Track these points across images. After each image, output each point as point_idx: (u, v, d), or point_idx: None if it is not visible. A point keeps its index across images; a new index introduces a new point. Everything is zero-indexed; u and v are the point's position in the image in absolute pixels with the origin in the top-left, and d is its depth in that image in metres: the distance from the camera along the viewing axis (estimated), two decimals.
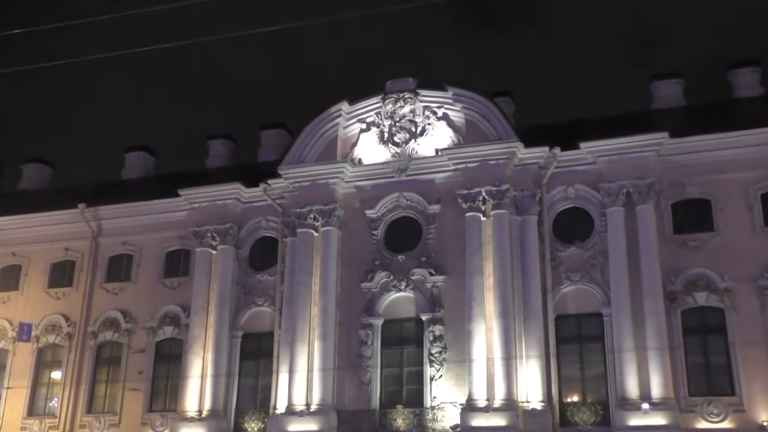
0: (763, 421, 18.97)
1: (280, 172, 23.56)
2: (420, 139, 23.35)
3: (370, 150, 23.70)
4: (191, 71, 55.42)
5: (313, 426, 21.12)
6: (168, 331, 24.24)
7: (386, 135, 23.55)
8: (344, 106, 23.88)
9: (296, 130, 24.64)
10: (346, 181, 23.45)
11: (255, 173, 25.23)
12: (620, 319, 20.21)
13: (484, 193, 21.90)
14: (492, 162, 22.01)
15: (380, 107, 23.71)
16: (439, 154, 22.73)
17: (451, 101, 23.14)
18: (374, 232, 23.04)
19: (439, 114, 23.34)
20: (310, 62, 54.99)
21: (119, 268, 25.33)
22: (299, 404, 21.59)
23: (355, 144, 23.82)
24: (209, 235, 24.26)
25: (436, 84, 23.41)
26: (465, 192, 22.04)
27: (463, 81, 23.72)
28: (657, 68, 36.66)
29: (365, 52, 53.66)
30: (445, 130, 23.22)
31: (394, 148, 23.41)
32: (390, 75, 23.83)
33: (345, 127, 23.99)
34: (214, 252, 24.26)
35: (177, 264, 24.87)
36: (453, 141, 22.96)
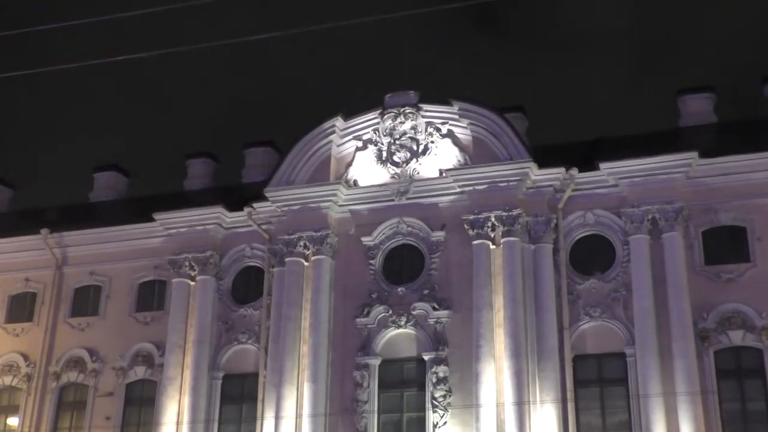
0: None
1: (267, 194, 23.65)
2: (422, 159, 23.48)
3: (367, 170, 23.81)
4: (170, 83, 55.61)
5: None
6: (140, 372, 24.15)
7: (385, 154, 23.66)
8: (338, 122, 24.01)
9: (285, 148, 24.82)
10: (340, 205, 23.52)
11: (239, 196, 25.39)
12: (646, 360, 20.15)
13: (493, 219, 22.01)
14: (502, 184, 22.14)
15: (378, 123, 23.84)
16: (444, 175, 22.82)
17: (456, 117, 23.33)
18: (371, 261, 23.10)
19: (444, 131, 23.51)
20: (301, 76, 55.41)
21: (86, 301, 25.25)
22: None
23: (350, 164, 23.95)
24: (187, 264, 24.30)
25: (440, 98, 23.60)
26: (472, 217, 22.16)
27: (470, 95, 24.42)
28: (681, 81, 36.73)
29: (361, 65, 54.21)
30: (451, 149, 23.36)
31: (394, 168, 23.54)
32: (389, 89, 24.07)
33: (339, 145, 24.13)
34: (192, 283, 24.30)
35: (151, 296, 24.91)
36: (459, 161, 23.14)
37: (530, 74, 50.96)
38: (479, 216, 22.08)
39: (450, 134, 23.45)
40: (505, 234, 21.94)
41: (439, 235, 22.82)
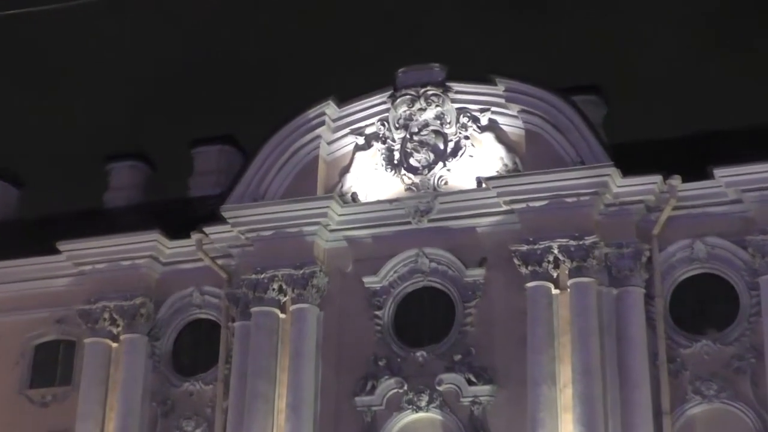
0: None
1: (225, 214, 23.53)
2: (452, 162, 23.34)
3: (372, 179, 23.78)
4: (74, 47, 53.96)
5: None
6: None
7: (398, 155, 23.63)
8: (329, 109, 23.91)
9: (251, 147, 24.90)
10: (333, 230, 23.37)
11: (184, 216, 25.44)
12: None
13: (556, 251, 21.72)
14: (570, 199, 21.92)
15: (388, 111, 23.82)
16: (484, 185, 22.66)
17: (502, 101, 23.14)
18: (377, 312, 22.92)
19: (483, 122, 23.35)
20: (281, 42, 54.45)
21: None
22: None
23: (346, 170, 23.97)
24: (107, 316, 24.08)
25: (477, 75, 23.61)
26: (526, 248, 21.83)
27: (521, 71, 24.43)
28: None
29: (362, 34, 53.53)
30: (493, 148, 23.22)
31: (411, 176, 23.44)
32: (401, 63, 24.04)
33: (331, 143, 24.11)
34: (114, 345, 24.14)
35: (52, 365, 24.71)
36: (505, 165, 23.01)
37: (581, 52, 50.28)
38: (536, 246, 21.77)
39: (492, 126, 23.32)
40: (574, 273, 21.68)
41: (476, 274, 22.57)
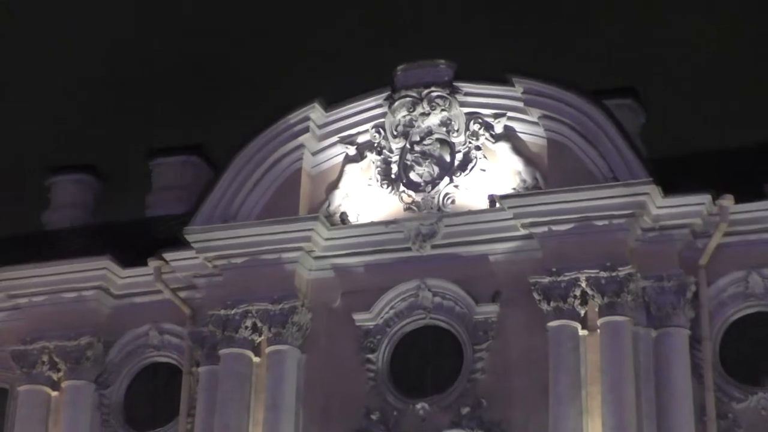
0: None
1: (189, 238, 23.56)
2: (460, 178, 23.39)
3: (364, 197, 23.89)
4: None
5: None
6: None
7: (396, 168, 23.73)
8: (315, 113, 23.97)
9: (221, 157, 25.11)
10: (318, 257, 23.44)
11: (140, 240, 25.64)
12: None
13: (584, 283, 21.69)
14: (600, 222, 21.91)
15: (384, 115, 23.93)
16: (498, 205, 22.63)
17: (520, 106, 23.19)
18: (370, 356, 22.90)
19: (498, 129, 23.40)
20: (256, 37, 54.69)
21: None
22: None
23: (334, 185, 24.07)
24: (46, 359, 24.00)
25: (491, 74, 23.76)
26: (548, 280, 21.83)
27: (541, 70, 23.87)
28: None
29: (353, 28, 53.70)
30: (509, 161, 23.25)
31: (411, 193, 23.52)
32: (400, 60, 24.12)
33: (316, 153, 24.21)
34: (54, 393, 24.05)
35: None
36: (523, 181, 23.06)
37: (630, 47, 50.35)
38: (560, 278, 21.78)
39: (508, 135, 23.38)
40: (605, 310, 21.65)
41: (488, 310, 22.55)
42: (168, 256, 23.70)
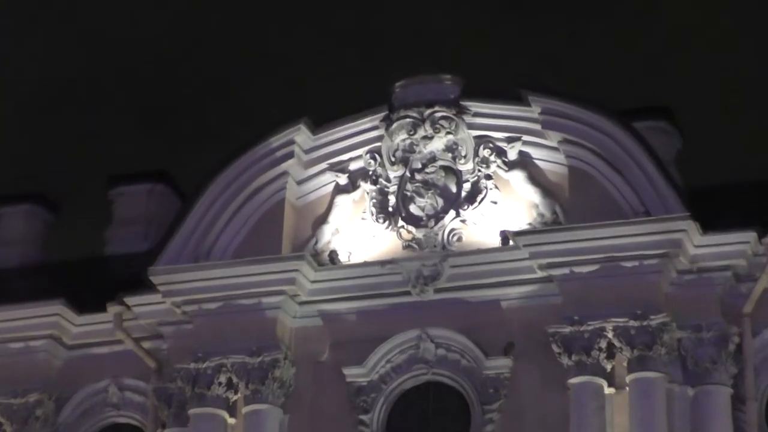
0: None
1: (154, 279, 23.65)
2: (468, 211, 23.51)
3: (357, 233, 24.01)
4: None
5: None
6: None
7: (393, 200, 23.85)
8: (300, 136, 24.11)
9: (193, 186, 25.06)
10: (304, 302, 23.53)
11: (98, 282, 25.75)
12: None
13: (611, 334, 21.75)
14: (630, 264, 22.00)
15: (380, 139, 24.10)
16: (512, 243, 22.69)
17: (537, 127, 23.31)
18: (363, 417, 22.95)
19: (512, 156, 23.56)
20: (236, 48, 54.81)
21: None
22: None
23: (323, 219, 24.16)
24: None
25: (502, 91, 23.94)
26: (569, 330, 21.87)
27: (561, 89, 23.96)
28: None
29: (345, 39, 53.73)
30: (524, 192, 23.42)
31: (411, 229, 23.61)
32: (398, 76, 24.30)
33: (302, 182, 24.40)
34: None
35: None
36: (541, 216, 23.19)
37: (661, 63, 50.46)
38: (583, 328, 21.81)
39: (524, 162, 23.54)
40: (635, 365, 21.67)
41: (500, 365, 22.62)
42: (130, 300, 23.68)
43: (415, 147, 23.63)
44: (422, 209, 23.40)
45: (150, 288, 23.48)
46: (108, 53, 56.34)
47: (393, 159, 23.72)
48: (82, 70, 57.04)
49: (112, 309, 23.81)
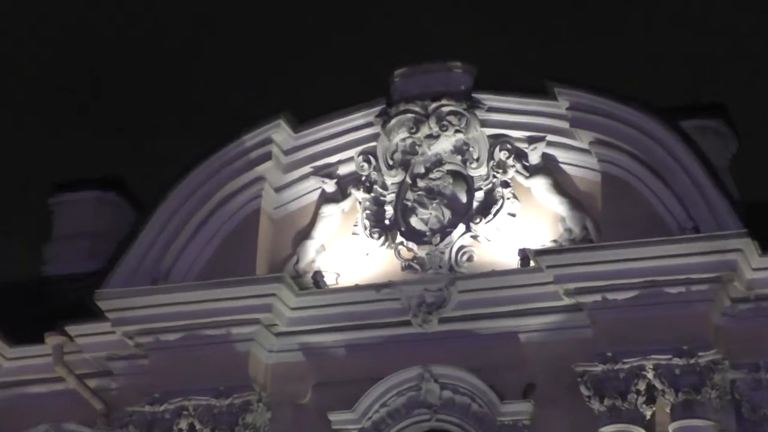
0: None
1: (102, 305, 23.72)
2: (480, 225, 23.53)
3: (347, 250, 24.11)
4: None
5: None
6: None
7: (390, 212, 23.98)
8: (279, 134, 24.22)
9: (149, 195, 25.51)
10: (281, 333, 23.60)
11: (34, 308, 26.06)
12: None
13: (651, 374, 21.67)
14: (674, 290, 21.95)
15: (376, 138, 24.26)
16: (533, 264, 22.75)
17: (564, 125, 23.33)
18: None
19: (533, 159, 23.63)
20: (205, 31, 55.38)
21: None
22: None
23: (306, 234, 24.27)
24: None
25: (522, 83, 24.15)
26: (600, 369, 21.80)
27: (591, 78, 24.46)
28: None
29: (334, 21, 54.18)
30: (548, 203, 23.47)
31: (412, 246, 23.66)
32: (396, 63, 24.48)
33: (280, 189, 24.50)
34: None
35: None
36: (568, 231, 23.23)
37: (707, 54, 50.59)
38: (617, 366, 21.76)
39: (547, 168, 23.61)
40: (680, 411, 21.57)
41: (518, 410, 22.57)
42: (72, 329, 23.72)
43: (417, 148, 23.73)
44: (425, 222, 23.44)
45: (97, 315, 23.53)
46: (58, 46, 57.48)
47: (391, 162, 23.82)
48: (32, 59, 58.16)
49: (51, 340, 23.87)
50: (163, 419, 22.90)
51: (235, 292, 23.17)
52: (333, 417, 22.79)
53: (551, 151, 23.32)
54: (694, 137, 22.91)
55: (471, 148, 23.57)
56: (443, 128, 23.58)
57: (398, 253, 23.44)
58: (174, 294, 23.44)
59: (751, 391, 21.59)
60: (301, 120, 24.14)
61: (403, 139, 23.76)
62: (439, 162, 23.64)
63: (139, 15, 56.70)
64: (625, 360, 21.49)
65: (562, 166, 23.31)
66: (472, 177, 23.50)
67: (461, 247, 23.20)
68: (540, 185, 23.18)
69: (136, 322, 23.41)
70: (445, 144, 23.65)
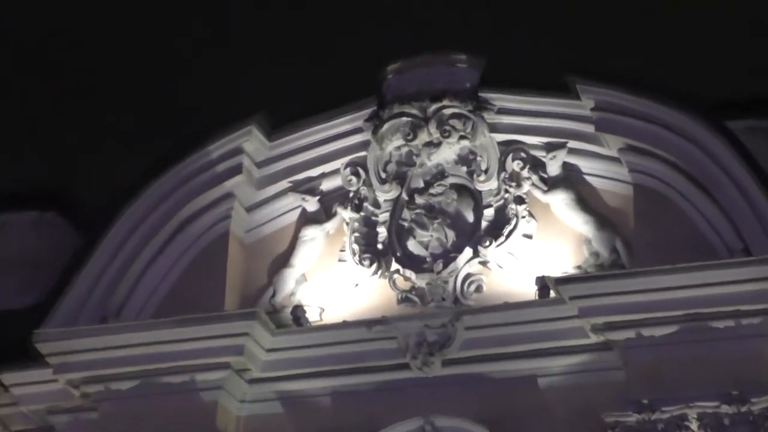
0: None
1: (41, 348, 23.98)
2: (490, 249, 23.65)
3: (333, 280, 24.32)
4: None
5: None
6: None
7: (384, 234, 24.21)
8: (251, 143, 24.54)
9: (99, 215, 25.53)
10: (255, 380, 23.79)
11: None
12: None
13: (694, 423, 21.58)
14: (721, 324, 21.85)
15: (365, 146, 24.53)
16: (553, 295, 22.74)
17: (589, 129, 23.44)
18: None
19: (552, 170, 23.78)
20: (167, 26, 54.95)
21: None
22: None
23: (283, 261, 24.56)
24: None
25: (538, 78, 24.16)
26: (635, 419, 21.76)
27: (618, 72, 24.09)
28: None
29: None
30: (570, 221, 23.61)
31: (409, 274, 23.83)
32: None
33: (253, 208, 24.85)
34: None
35: None
36: (594, 256, 23.37)
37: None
38: (655, 416, 21.71)
39: (569, 180, 23.79)
40: None
41: None
42: (7, 377, 23.97)
43: (414, 158, 23.86)
44: (425, 247, 23.55)
45: (36, 360, 23.73)
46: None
47: (383, 175, 23.94)
48: None
49: None
50: None
51: (199, 331, 23.21)
52: None
53: (573, 160, 23.39)
54: (745, 141, 22.73)
55: (478, 158, 23.63)
56: (445, 134, 23.61)
57: (393, 284, 23.50)
58: (127, 334, 23.48)
59: None
60: (277, 125, 24.26)
61: (398, 148, 23.86)
62: (440, 174, 23.74)
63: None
64: (664, 408, 21.42)
65: (587, 177, 23.40)
66: (480, 192, 23.57)
67: (468, 276, 23.28)
68: (560, 201, 23.23)
69: (83, 368, 23.48)
70: (447, 153, 23.72)
